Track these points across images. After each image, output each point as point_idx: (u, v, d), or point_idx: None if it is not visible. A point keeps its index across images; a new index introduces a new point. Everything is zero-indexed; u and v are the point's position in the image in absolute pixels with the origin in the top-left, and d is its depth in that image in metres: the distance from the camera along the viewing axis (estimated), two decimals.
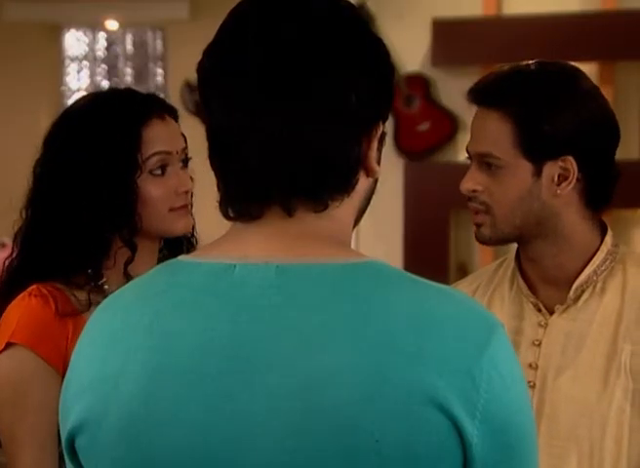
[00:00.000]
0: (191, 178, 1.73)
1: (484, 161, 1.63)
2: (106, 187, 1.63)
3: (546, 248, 1.65)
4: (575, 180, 1.61)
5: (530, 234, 1.64)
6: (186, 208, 1.71)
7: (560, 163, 1.60)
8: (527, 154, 1.60)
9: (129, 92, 1.75)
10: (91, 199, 1.63)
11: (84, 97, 1.79)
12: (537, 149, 1.60)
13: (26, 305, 1.61)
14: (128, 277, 1.67)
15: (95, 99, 1.74)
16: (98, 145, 1.64)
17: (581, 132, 1.61)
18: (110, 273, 1.68)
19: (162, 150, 1.67)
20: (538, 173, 1.61)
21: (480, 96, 1.64)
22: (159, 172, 1.67)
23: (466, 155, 1.68)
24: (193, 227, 1.77)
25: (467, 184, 1.64)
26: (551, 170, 1.60)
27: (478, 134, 1.65)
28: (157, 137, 1.66)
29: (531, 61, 1.68)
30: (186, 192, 1.70)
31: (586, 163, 1.62)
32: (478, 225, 1.66)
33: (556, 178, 1.61)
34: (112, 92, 1.80)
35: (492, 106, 1.62)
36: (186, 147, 1.72)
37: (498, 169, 1.61)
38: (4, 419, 1.62)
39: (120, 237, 1.66)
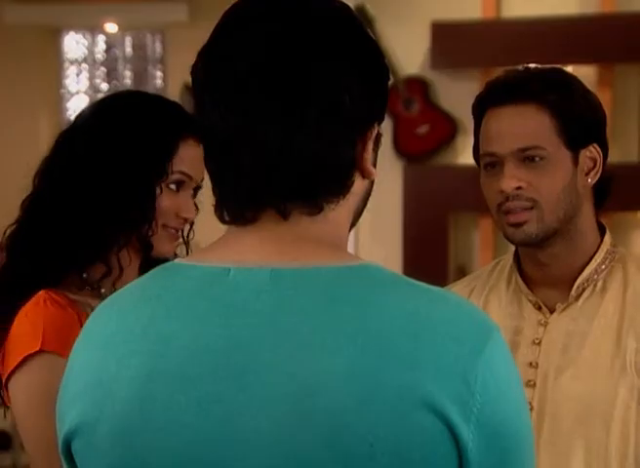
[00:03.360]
0: (196, 208, 1.73)
1: (525, 156, 1.60)
2: (134, 183, 1.63)
3: (562, 248, 1.65)
4: (601, 169, 1.62)
5: (559, 230, 1.63)
6: (177, 233, 1.71)
7: (588, 152, 1.63)
8: (568, 142, 1.60)
9: (178, 104, 1.75)
10: (115, 191, 1.63)
11: (131, 93, 1.82)
12: (575, 136, 1.61)
13: (45, 312, 1.59)
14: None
15: (143, 97, 1.75)
16: (136, 142, 1.64)
17: (600, 119, 1.65)
18: (129, 271, 1.67)
19: (186, 172, 1.68)
20: (575, 162, 1.62)
21: (508, 93, 1.62)
22: (174, 187, 1.68)
23: (488, 159, 1.64)
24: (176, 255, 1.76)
25: (511, 182, 1.60)
26: (583, 158, 1.63)
27: (513, 130, 1.61)
28: (188, 158, 1.67)
29: (528, 65, 1.69)
30: (185, 220, 1.70)
31: (604, 152, 1.65)
32: (519, 224, 1.61)
33: (586, 168, 1.63)
34: (163, 97, 1.78)
35: (526, 100, 1.60)
36: (203, 179, 1.73)
37: (541, 160, 1.60)
38: (36, 428, 1.58)
39: (137, 236, 1.66)
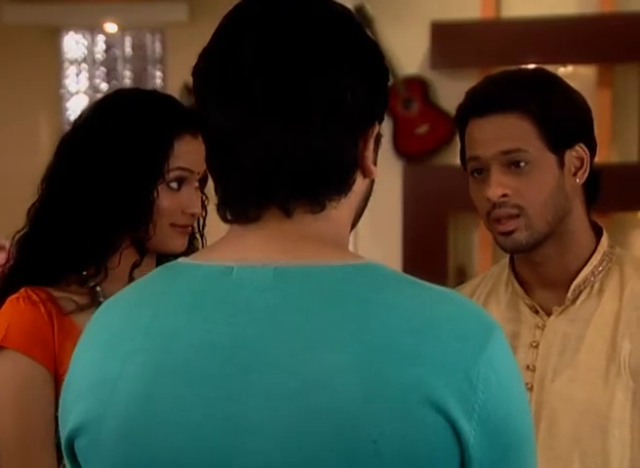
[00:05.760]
0: (206, 200, 1.72)
1: (510, 161, 1.59)
2: (130, 187, 1.63)
3: (554, 248, 1.65)
4: (589, 168, 1.62)
5: (550, 233, 1.63)
6: (187, 228, 1.71)
7: (574, 152, 1.63)
8: (551, 146, 1.60)
9: (172, 99, 1.74)
10: (110, 195, 1.63)
11: (125, 92, 1.81)
12: (558, 138, 1.61)
13: (15, 309, 1.62)
14: (131, 281, 1.65)
15: (136, 98, 1.74)
16: (129, 146, 1.64)
17: (585, 118, 1.65)
18: (114, 273, 1.68)
19: (185, 167, 1.67)
20: (561, 164, 1.62)
21: (488, 104, 1.62)
22: (175, 185, 1.67)
23: (473, 164, 1.63)
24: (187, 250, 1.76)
25: (497, 190, 1.59)
26: (569, 159, 1.63)
27: (495, 135, 1.61)
28: (185, 153, 1.66)
29: (508, 69, 1.72)
30: (192, 215, 1.69)
31: (591, 151, 1.65)
32: (508, 233, 1.61)
33: (573, 168, 1.63)
34: (156, 94, 1.78)
35: (506, 110, 1.60)
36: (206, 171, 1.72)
37: (526, 165, 1.59)
38: (3, 424, 1.61)
39: (132, 238, 1.66)
